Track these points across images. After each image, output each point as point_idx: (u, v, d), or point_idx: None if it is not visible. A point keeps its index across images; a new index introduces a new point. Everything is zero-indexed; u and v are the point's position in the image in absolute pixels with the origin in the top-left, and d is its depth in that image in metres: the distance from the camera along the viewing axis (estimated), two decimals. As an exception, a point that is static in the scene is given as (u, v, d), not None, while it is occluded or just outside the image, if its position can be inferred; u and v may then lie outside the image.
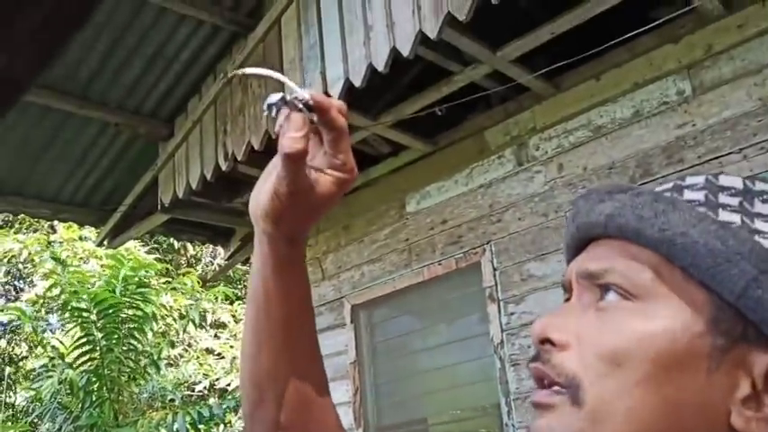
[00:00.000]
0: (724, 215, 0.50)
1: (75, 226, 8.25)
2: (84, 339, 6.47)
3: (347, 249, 4.28)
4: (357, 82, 3.08)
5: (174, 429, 6.24)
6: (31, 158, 4.27)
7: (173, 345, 9.05)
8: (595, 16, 2.90)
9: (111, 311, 6.43)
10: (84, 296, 6.38)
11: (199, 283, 8.66)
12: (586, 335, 0.51)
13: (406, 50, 2.91)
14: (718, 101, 2.94)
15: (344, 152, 0.58)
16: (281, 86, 0.61)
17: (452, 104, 3.37)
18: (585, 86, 3.35)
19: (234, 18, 3.74)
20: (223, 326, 10.59)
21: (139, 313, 6.70)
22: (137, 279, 6.75)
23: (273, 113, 0.57)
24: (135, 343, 6.78)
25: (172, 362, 9.82)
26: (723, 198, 0.51)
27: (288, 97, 0.56)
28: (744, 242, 0.48)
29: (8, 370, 9.50)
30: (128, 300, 6.61)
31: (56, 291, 6.98)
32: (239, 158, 3.67)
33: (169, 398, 8.04)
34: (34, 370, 8.49)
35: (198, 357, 10.02)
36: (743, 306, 0.48)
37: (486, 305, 3.52)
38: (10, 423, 8.36)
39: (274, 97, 0.57)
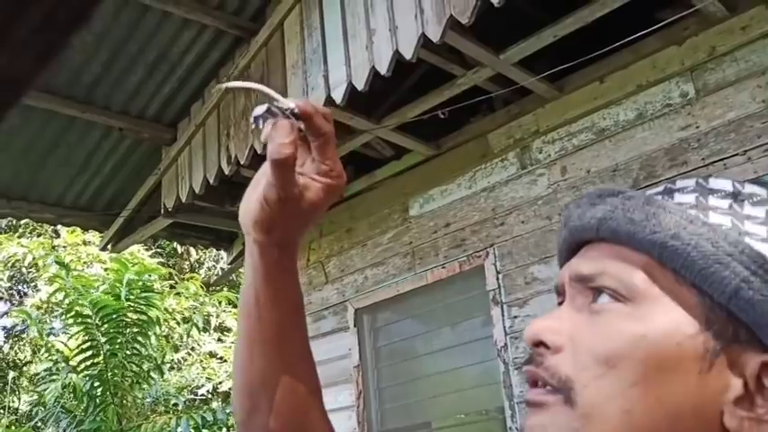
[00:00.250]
0: (714, 217, 0.51)
1: (79, 230, 8.27)
2: (88, 344, 6.47)
3: (350, 253, 4.28)
4: (360, 85, 3.08)
5: (178, 434, 6.24)
6: (35, 163, 4.28)
7: (176, 349, 9.06)
8: (598, 18, 2.90)
9: (114, 316, 6.43)
10: (88, 301, 6.39)
11: (202, 287, 8.67)
12: (580, 337, 0.51)
13: (408, 54, 2.91)
14: (722, 103, 2.93)
15: (332, 158, 0.59)
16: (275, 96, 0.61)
17: (455, 108, 3.36)
18: (589, 89, 3.34)
19: (237, 22, 3.74)
20: (227, 329, 10.60)
21: (143, 318, 6.70)
22: (141, 283, 6.76)
23: (261, 125, 0.57)
24: (139, 347, 6.77)
25: (175, 366, 9.82)
26: (713, 201, 0.52)
27: (273, 107, 0.57)
28: (734, 244, 0.49)
29: (12, 375, 9.51)
30: (132, 304, 6.61)
31: (60, 295, 6.99)
32: (242, 162, 3.67)
33: (172, 402, 8.04)
34: (38, 374, 8.50)
35: (201, 361, 10.03)
36: (734, 307, 0.48)
37: (490, 308, 3.52)
38: (14, 428, 8.38)
39: (260, 109, 0.57)
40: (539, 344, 0.53)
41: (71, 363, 6.89)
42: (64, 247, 9.37)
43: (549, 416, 0.51)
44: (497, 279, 3.52)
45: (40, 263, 8.77)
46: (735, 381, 0.49)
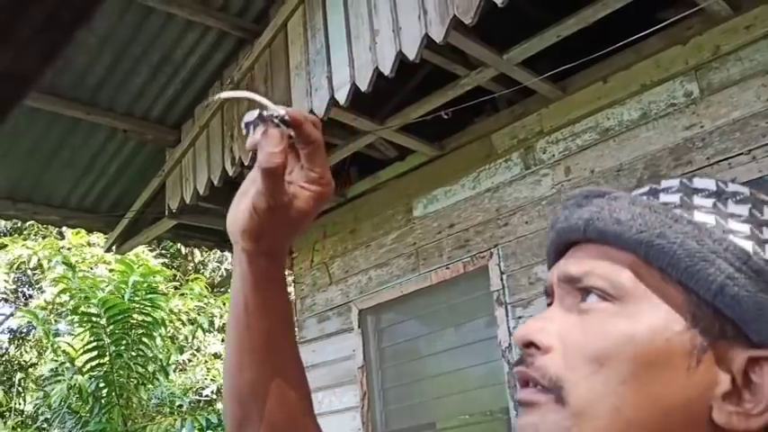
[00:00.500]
0: (699, 216, 0.52)
1: (84, 232, 8.29)
2: (94, 344, 6.49)
3: (354, 254, 4.28)
4: (363, 86, 3.09)
5: (183, 435, 6.25)
6: (40, 165, 4.29)
7: (181, 350, 9.07)
8: (602, 18, 2.89)
9: (120, 317, 6.45)
10: (95, 301, 6.40)
11: (207, 288, 8.68)
12: (569, 337, 0.52)
13: (412, 54, 2.91)
14: (727, 102, 2.93)
15: (321, 166, 0.59)
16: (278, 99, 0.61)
17: (459, 108, 3.36)
18: (592, 89, 3.34)
19: (240, 24, 3.75)
20: (231, 331, 10.58)
21: (149, 319, 6.72)
22: (146, 285, 6.77)
23: (252, 131, 0.58)
24: (144, 348, 6.79)
25: (180, 367, 9.84)
26: (697, 200, 0.53)
27: (264, 114, 0.57)
28: (719, 242, 0.50)
29: (18, 376, 9.54)
30: (137, 305, 6.63)
31: (65, 296, 7.01)
32: (246, 163, 3.67)
33: (177, 403, 8.05)
34: (43, 376, 8.52)
35: (206, 362, 10.04)
36: (720, 304, 0.49)
37: (494, 309, 3.51)
38: (20, 429, 8.40)
39: (251, 115, 0.58)
40: (529, 345, 0.53)
41: (76, 364, 6.91)
42: (69, 248, 9.39)
43: (540, 415, 0.51)
44: (501, 280, 3.52)
45: (45, 264, 8.80)
46: (722, 376, 0.49)
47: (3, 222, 10.60)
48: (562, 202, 0.58)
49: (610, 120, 3.28)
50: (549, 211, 3.42)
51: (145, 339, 6.75)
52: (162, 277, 7.71)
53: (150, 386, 7.12)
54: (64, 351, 7.43)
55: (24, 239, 10.15)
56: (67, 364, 7.11)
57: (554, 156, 3.45)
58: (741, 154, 2.86)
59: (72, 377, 6.73)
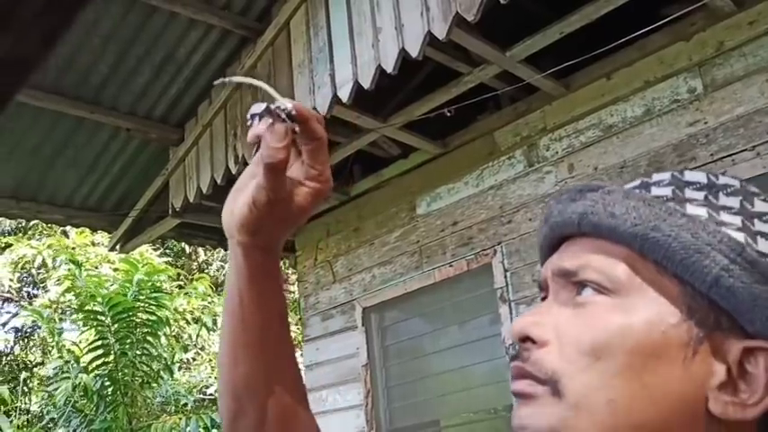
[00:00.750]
0: (691, 209, 0.52)
1: (88, 231, 8.31)
2: (99, 343, 6.51)
3: (358, 252, 4.28)
4: (366, 84, 3.09)
5: (187, 433, 6.26)
6: (44, 164, 4.30)
7: (186, 349, 9.09)
8: (605, 15, 2.89)
9: (125, 315, 6.46)
10: (100, 299, 6.42)
11: (211, 287, 8.70)
12: (565, 331, 0.52)
13: (414, 52, 2.91)
14: (730, 98, 2.92)
15: (322, 163, 0.59)
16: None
17: (462, 105, 3.36)
18: (596, 86, 3.33)
19: (243, 22, 3.75)
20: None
21: (153, 317, 6.73)
22: (150, 284, 6.79)
23: (257, 122, 0.58)
24: (149, 347, 6.81)
25: (185, 365, 9.86)
26: (689, 193, 0.54)
27: (272, 107, 0.57)
28: (713, 234, 0.50)
29: (23, 375, 9.58)
30: (142, 304, 6.64)
31: (70, 295, 7.03)
32: (249, 160, 3.67)
33: (182, 402, 8.07)
34: (48, 375, 8.55)
35: (210, 361, 10.06)
36: (715, 295, 0.50)
37: (498, 306, 3.51)
38: (25, 428, 8.43)
39: (259, 107, 0.58)
40: (525, 339, 0.54)
41: (81, 362, 6.93)
42: (73, 248, 9.41)
43: (537, 407, 0.51)
44: (505, 277, 3.52)
45: (50, 262, 8.83)
46: (718, 367, 0.50)
47: (7, 222, 10.63)
48: (554, 197, 0.58)
49: (613, 116, 3.27)
50: (553, 208, 3.42)
51: (149, 338, 6.77)
52: (166, 276, 7.72)
53: (155, 385, 7.14)
54: (69, 350, 7.46)
55: (29, 239, 10.18)
56: (72, 363, 7.13)
57: (557, 153, 3.45)
58: (745, 150, 2.85)
59: (77, 376, 6.75)
